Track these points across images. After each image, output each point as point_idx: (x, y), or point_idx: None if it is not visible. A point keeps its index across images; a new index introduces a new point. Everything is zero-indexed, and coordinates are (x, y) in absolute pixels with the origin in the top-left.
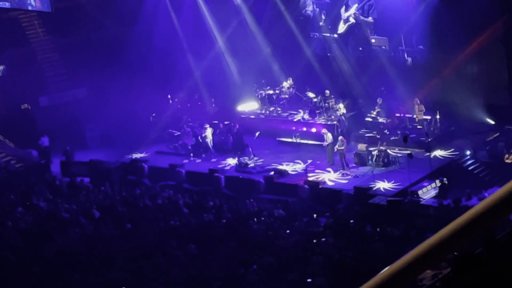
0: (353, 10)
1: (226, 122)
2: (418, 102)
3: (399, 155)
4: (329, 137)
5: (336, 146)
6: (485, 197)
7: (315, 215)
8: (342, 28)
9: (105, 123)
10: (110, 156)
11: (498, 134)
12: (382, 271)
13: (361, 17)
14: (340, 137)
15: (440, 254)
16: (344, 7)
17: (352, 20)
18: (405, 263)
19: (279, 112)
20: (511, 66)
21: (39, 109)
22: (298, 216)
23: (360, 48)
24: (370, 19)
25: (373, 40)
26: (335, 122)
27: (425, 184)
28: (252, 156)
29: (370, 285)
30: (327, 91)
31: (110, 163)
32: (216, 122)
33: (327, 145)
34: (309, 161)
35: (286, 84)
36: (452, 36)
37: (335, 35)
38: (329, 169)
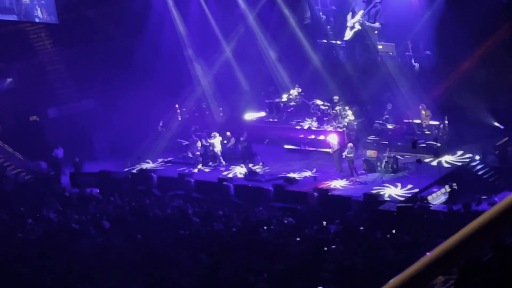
0: (359, 16)
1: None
2: (425, 108)
3: (408, 161)
4: (335, 144)
5: (345, 153)
6: (495, 202)
7: (324, 223)
8: (348, 34)
9: (113, 134)
10: (119, 166)
11: (507, 138)
12: (394, 279)
13: (368, 23)
14: (349, 144)
15: (452, 260)
16: (350, 13)
17: (358, 26)
18: (416, 269)
19: (287, 120)
20: None
21: (48, 120)
22: (308, 224)
23: (367, 54)
24: (377, 24)
25: (380, 46)
26: (343, 129)
27: (435, 189)
28: (261, 164)
29: None
30: (336, 97)
31: (119, 173)
32: (229, 133)
33: (334, 152)
34: (319, 168)
35: (294, 91)
36: (459, 41)
37: (343, 42)
38: (344, 178)
